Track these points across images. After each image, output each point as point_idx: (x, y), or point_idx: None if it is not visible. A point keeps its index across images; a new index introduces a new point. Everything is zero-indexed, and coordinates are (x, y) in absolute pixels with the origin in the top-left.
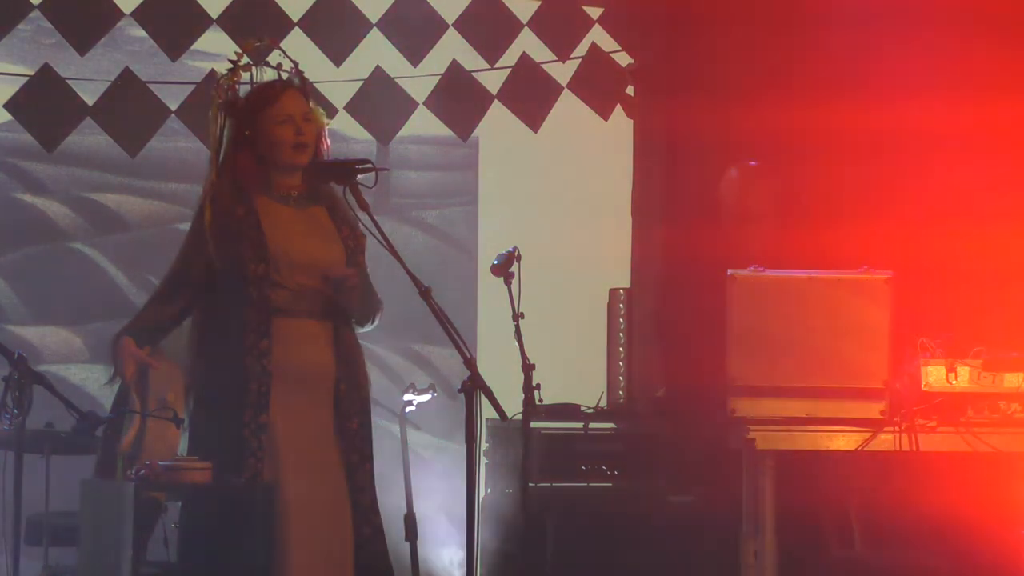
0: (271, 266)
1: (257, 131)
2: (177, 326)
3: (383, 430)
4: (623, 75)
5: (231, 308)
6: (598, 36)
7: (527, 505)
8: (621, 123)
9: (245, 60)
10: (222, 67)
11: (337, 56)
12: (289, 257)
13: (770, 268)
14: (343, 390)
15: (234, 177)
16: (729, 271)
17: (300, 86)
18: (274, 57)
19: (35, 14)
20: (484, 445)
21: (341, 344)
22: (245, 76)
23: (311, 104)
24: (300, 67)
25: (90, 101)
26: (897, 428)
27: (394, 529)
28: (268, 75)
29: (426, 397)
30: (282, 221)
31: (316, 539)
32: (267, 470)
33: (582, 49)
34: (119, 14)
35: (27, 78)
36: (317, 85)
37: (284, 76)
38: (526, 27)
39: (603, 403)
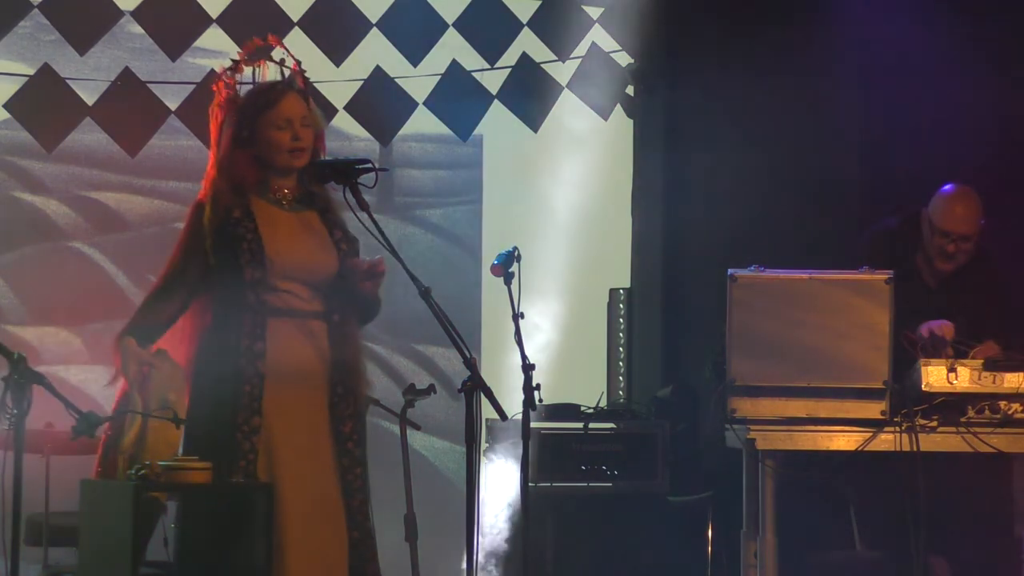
0: (267, 270)
1: (255, 133)
2: (175, 323)
3: (383, 430)
4: (623, 75)
5: (227, 310)
6: (598, 36)
7: (527, 505)
8: (621, 123)
9: (247, 58)
10: (222, 66)
11: (337, 56)
12: (284, 261)
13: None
14: (339, 393)
15: (232, 175)
16: (729, 271)
17: (300, 89)
18: (277, 54)
19: (34, 11)
20: (484, 445)
21: (337, 345)
22: (247, 72)
23: (310, 106)
24: (302, 66)
25: (90, 101)
26: (897, 428)
27: (394, 529)
28: (271, 71)
29: (426, 397)
30: (277, 224)
31: (312, 540)
32: (263, 471)
33: (582, 49)
34: (119, 13)
35: (27, 77)
36: (317, 85)
37: (286, 73)
38: (526, 27)
39: (603, 403)
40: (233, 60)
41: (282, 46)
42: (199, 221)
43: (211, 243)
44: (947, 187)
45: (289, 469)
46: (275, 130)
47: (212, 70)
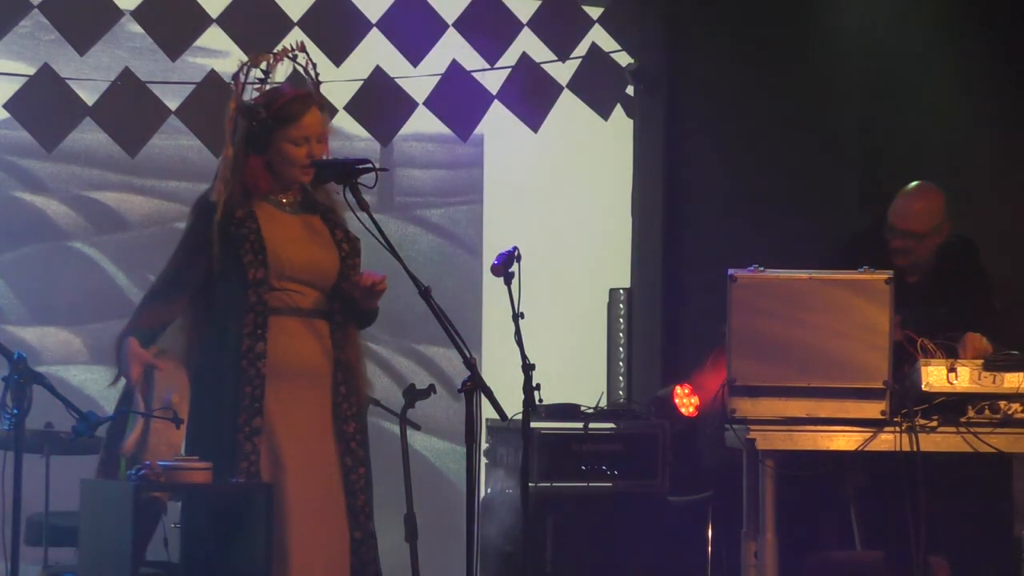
0: (269, 270)
1: (271, 143)
2: (175, 322)
3: (383, 430)
4: (623, 75)
5: (229, 310)
6: (598, 36)
7: (527, 505)
8: (621, 123)
9: (264, 65)
10: (222, 66)
11: (337, 56)
12: (286, 262)
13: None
14: (342, 392)
15: (243, 178)
16: (729, 271)
17: (319, 101)
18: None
19: (34, 11)
20: (484, 445)
21: (338, 345)
22: (261, 71)
23: (325, 117)
24: (316, 69)
25: (90, 101)
26: (897, 428)
27: (394, 529)
28: (283, 65)
29: (426, 397)
30: (280, 226)
31: (315, 539)
32: (266, 471)
33: (582, 49)
34: (119, 13)
35: (27, 77)
36: None
37: (299, 69)
38: (526, 27)
39: (603, 403)
40: (263, 72)
41: (304, 52)
42: (207, 220)
43: (216, 245)
44: (912, 184)
45: (293, 469)
46: (292, 145)
47: (212, 70)
